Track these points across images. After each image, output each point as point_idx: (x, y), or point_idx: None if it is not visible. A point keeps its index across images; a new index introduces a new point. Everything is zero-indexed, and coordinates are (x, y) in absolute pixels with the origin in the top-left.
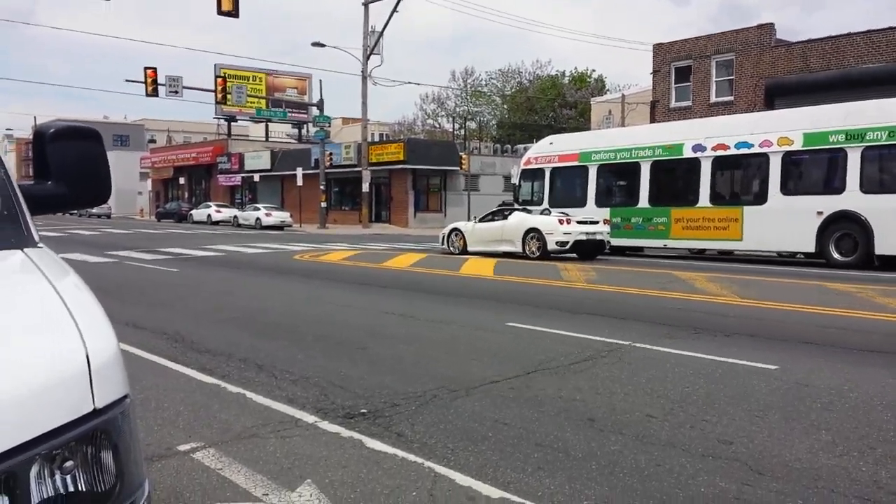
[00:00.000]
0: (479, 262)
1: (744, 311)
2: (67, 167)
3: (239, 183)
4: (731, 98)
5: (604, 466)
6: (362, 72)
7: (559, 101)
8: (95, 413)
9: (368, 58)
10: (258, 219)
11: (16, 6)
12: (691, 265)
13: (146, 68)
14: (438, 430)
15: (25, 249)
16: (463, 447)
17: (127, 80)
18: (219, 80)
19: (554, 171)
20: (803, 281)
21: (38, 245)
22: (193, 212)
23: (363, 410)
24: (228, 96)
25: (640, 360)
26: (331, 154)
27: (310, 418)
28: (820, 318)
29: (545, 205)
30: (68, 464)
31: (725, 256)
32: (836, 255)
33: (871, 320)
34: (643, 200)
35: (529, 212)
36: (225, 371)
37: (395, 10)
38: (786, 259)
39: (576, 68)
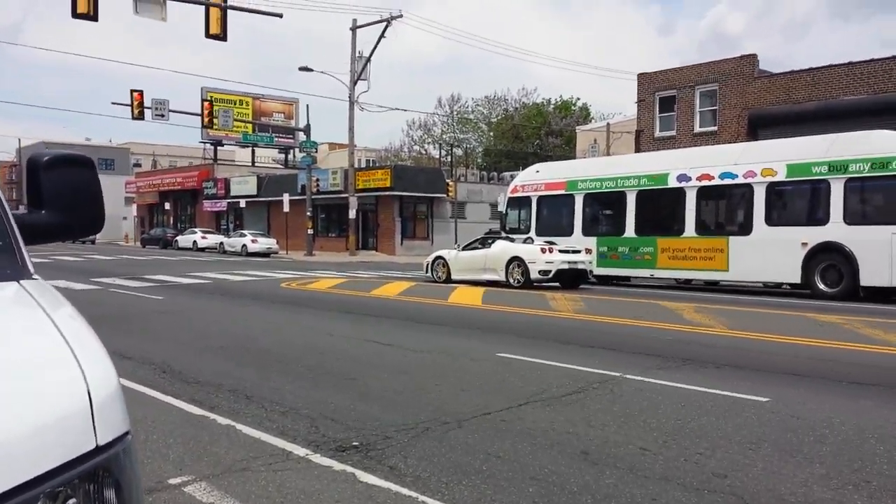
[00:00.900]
0: (467, 290)
1: (733, 342)
2: (61, 196)
3: (225, 209)
4: (714, 128)
5: (599, 500)
6: (349, 97)
7: (545, 129)
8: (98, 450)
9: (356, 83)
10: (244, 245)
11: (2, 26)
12: (678, 295)
13: (132, 91)
14: (431, 464)
15: (21, 281)
16: (457, 481)
17: (113, 103)
18: (205, 103)
19: (540, 199)
20: (790, 312)
21: (34, 276)
22: (179, 238)
23: (355, 443)
24: (215, 120)
25: (631, 391)
26: (317, 180)
27: (301, 451)
28: (808, 349)
29: (532, 233)
30: (70, 502)
31: (711, 287)
32: (821, 286)
33: (859, 352)
34: (629, 230)
35: (513, 240)
36: (214, 402)
37: (382, 35)
38: (771, 290)
39: (561, 96)
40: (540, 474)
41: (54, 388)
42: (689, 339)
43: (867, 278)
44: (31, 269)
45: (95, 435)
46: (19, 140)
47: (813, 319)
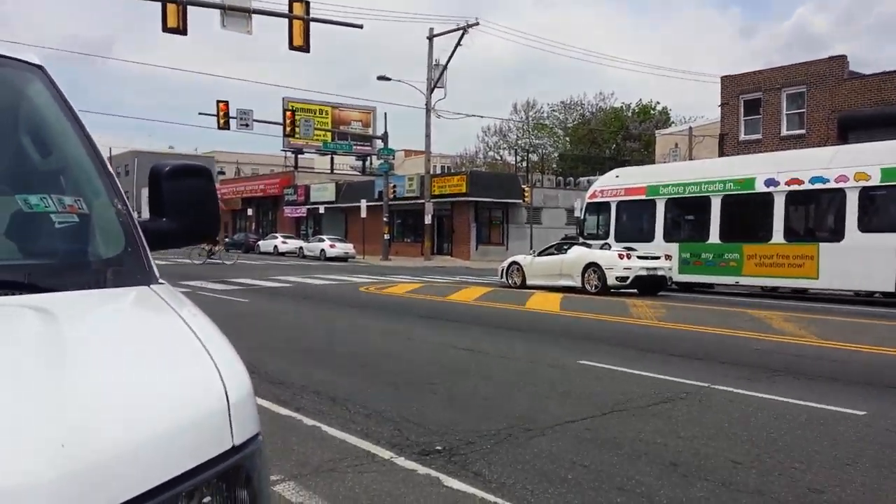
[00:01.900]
0: (544, 296)
1: (824, 352)
2: (181, 204)
3: (304, 214)
4: (802, 131)
5: None
6: (426, 105)
7: (623, 134)
8: (234, 450)
9: (432, 91)
10: (322, 250)
11: (95, 41)
12: (765, 304)
13: (218, 101)
14: (516, 470)
15: (151, 286)
16: (542, 489)
17: (200, 114)
18: (288, 113)
19: (620, 204)
20: (885, 322)
21: (160, 281)
22: (260, 242)
23: (438, 447)
24: (297, 129)
25: (720, 402)
26: (394, 186)
27: (385, 454)
28: None
29: (611, 239)
30: (206, 500)
31: (799, 295)
32: None
33: None
34: (713, 236)
35: (590, 246)
36: (300, 403)
37: (458, 43)
38: (863, 299)
39: (640, 100)
40: (627, 485)
41: (195, 389)
42: (779, 350)
43: None
44: (157, 275)
45: (232, 435)
46: (110, 149)
47: None
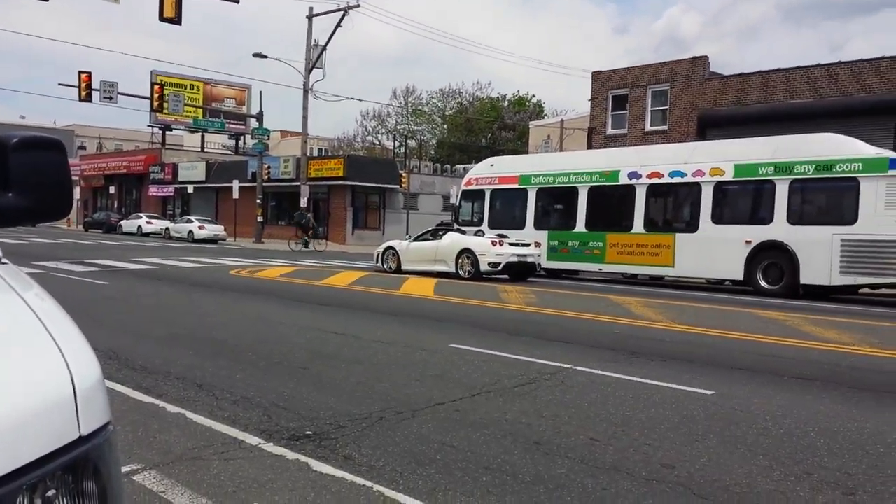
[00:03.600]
0: (419, 281)
1: (678, 336)
2: (30, 179)
3: (172, 194)
4: (665, 127)
5: (552, 490)
6: (304, 85)
7: (498, 123)
8: (81, 440)
9: (311, 71)
10: (191, 231)
11: None
12: (626, 290)
13: (80, 72)
14: (386, 453)
15: None
16: (411, 470)
17: (60, 84)
18: (155, 87)
19: (494, 192)
20: (734, 308)
21: (4, 261)
22: (123, 222)
23: (308, 432)
24: (165, 104)
25: (581, 383)
26: (269, 167)
27: (253, 440)
28: (751, 345)
29: (484, 226)
30: (50, 493)
31: (656, 282)
32: (763, 284)
33: (800, 348)
34: (580, 225)
35: (464, 232)
36: (163, 390)
37: (338, 24)
38: (714, 286)
39: (517, 91)
40: (493, 464)
41: (38, 377)
42: (637, 334)
43: (807, 277)
44: (0, 254)
45: (79, 425)
46: None
47: (756, 316)
